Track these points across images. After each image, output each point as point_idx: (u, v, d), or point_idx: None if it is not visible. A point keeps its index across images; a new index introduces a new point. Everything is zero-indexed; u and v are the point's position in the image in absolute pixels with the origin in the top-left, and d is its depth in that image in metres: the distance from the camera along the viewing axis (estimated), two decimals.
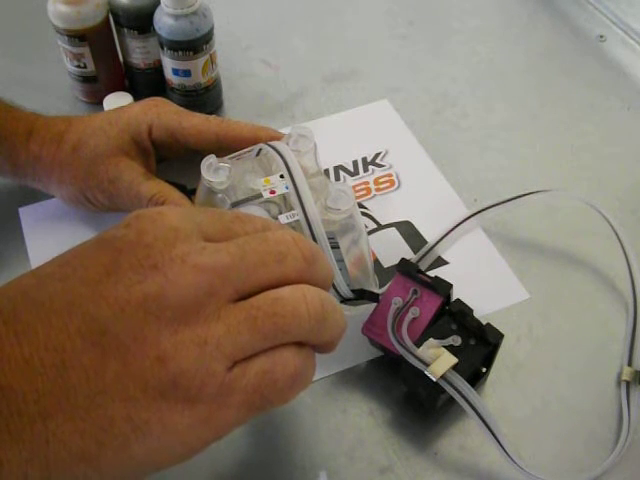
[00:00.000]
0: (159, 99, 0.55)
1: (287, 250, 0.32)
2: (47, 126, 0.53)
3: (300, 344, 0.32)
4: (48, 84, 0.68)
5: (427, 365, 0.42)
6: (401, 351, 0.43)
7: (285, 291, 0.31)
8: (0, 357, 0.26)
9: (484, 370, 0.46)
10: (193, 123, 0.53)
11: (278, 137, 0.54)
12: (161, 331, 0.28)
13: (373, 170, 0.61)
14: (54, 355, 0.27)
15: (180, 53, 0.60)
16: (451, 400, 0.42)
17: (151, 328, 0.28)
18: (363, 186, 0.60)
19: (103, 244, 0.30)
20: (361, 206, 0.58)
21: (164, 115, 0.53)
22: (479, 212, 0.55)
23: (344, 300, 0.46)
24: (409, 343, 0.43)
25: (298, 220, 0.45)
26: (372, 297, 0.46)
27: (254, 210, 0.47)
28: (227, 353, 0.29)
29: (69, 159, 0.52)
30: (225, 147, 0.53)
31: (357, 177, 0.60)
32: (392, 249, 0.55)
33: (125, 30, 0.62)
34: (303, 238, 0.33)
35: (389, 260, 0.54)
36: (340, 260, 0.46)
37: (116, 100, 0.60)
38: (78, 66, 0.63)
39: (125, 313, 0.28)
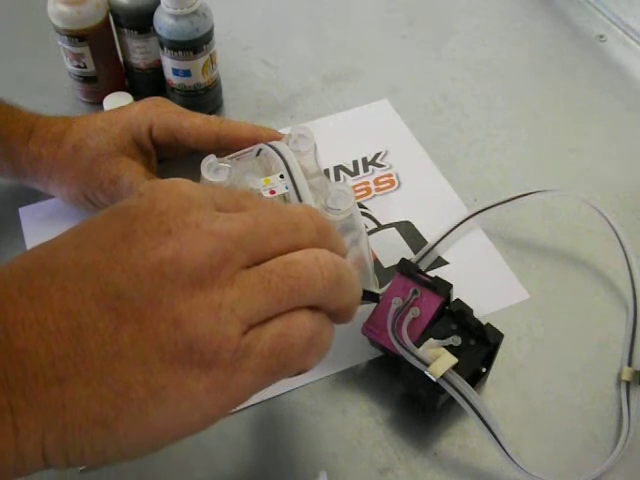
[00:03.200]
0: (159, 99, 0.55)
1: (300, 221, 0.32)
2: (47, 126, 0.53)
3: (315, 309, 0.32)
4: (48, 84, 0.68)
5: (427, 365, 0.42)
6: (401, 351, 0.43)
7: (298, 255, 0.31)
8: (14, 321, 0.26)
9: (484, 370, 0.46)
10: (193, 123, 0.53)
11: (278, 137, 0.54)
12: (176, 295, 0.28)
13: (373, 170, 0.61)
14: (69, 319, 0.27)
15: (180, 53, 0.60)
16: (451, 400, 0.42)
17: (166, 292, 0.28)
18: (363, 186, 0.60)
19: (117, 213, 0.30)
20: (361, 206, 0.58)
21: (164, 115, 0.53)
22: (479, 212, 0.55)
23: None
24: (409, 343, 0.43)
25: None
26: (372, 297, 0.46)
27: None
28: (242, 317, 0.29)
29: (69, 159, 0.52)
30: (225, 147, 0.53)
31: (357, 177, 0.60)
32: (392, 249, 0.55)
33: (125, 30, 0.62)
34: (317, 211, 0.33)
35: (389, 260, 0.54)
36: None
37: (116, 100, 0.60)
38: (78, 66, 0.63)
39: (140, 278, 0.28)
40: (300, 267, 0.30)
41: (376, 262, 0.54)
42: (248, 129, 0.54)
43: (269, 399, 0.46)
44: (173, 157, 0.58)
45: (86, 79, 0.65)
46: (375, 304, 0.46)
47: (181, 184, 0.31)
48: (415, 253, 0.54)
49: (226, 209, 0.31)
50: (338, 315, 0.34)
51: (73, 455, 0.27)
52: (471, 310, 0.45)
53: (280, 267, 0.30)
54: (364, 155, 0.62)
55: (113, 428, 0.27)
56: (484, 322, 0.44)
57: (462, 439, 0.45)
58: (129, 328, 0.27)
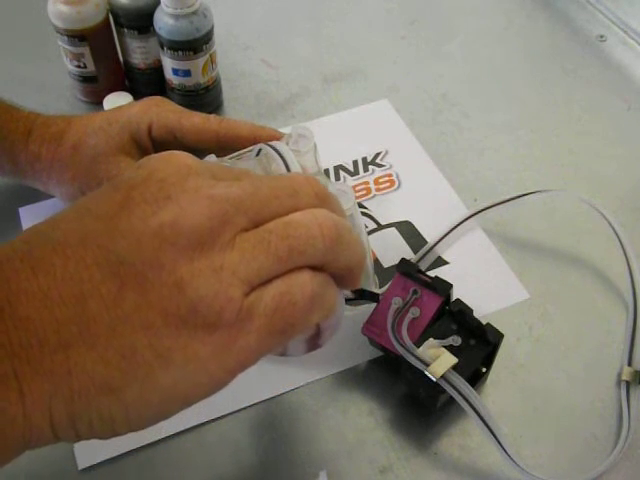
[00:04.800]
0: (159, 98, 0.55)
1: (299, 186, 0.32)
2: (47, 125, 0.53)
3: (317, 269, 0.32)
4: (48, 84, 0.68)
5: (427, 365, 0.42)
6: (401, 351, 0.43)
7: (297, 215, 0.31)
8: (17, 290, 0.26)
9: (484, 370, 0.46)
10: (193, 122, 0.53)
11: (278, 137, 0.54)
12: (177, 259, 0.28)
13: (373, 170, 0.61)
14: (72, 286, 0.27)
15: (180, 53, 0.60)
16: (451, 400, 0.42)
17: (167, 256, 0.28)
18: (363, 186, 0.60)
19: (116, 185, 0.30)
20: (361, 206, 0.58)
21: (164, 114, 0.53)
22: (479, 212, 0.55)
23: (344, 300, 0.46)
24: (409, 343, 0.43)
25: None
26: (372, 297, 0.46)
27: None
28: (243, 278, 0.29)
29: (69, 158, 0.52)
30: (225, 146, 0.53)
31: (357, 177, 0.60)
32: (392, 249, 0.55)
33: (125, 30, 0.62)
34: (316, 180, 0.33)
35: (389, 260, 0.54)
36: None
37: (116, 100, 0.60)
38: (78, 66, 0.63)
39: (141, 243, 0.28)
40: (299, 226, 0.30)
41: (376, 262, 0.54)
42: (248, 128, 0.54)
43: (269, 399, 0.46)
44: None
45: (86, 79, 0.65)
46: (375, 304, 0.46)
47: (179, 154, 0.31)
48: (415, 253, 0.54)
49: (224, 178, 0.31)
50: (342, 278, 0.34)
51: (81, 424, 0.27)
52: (471, 310, 0.45)
53: (279, 227, 0.30)
54: (364, 155, 0.62)
55: (120, 393, 0.27)
56: (484, 322, 0.44)
57: (462, 439, 0.45)
58: (132, 293, 0.27)
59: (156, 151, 0.55)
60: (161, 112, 0.53)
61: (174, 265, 0.28)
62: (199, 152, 0.52)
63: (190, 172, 0.30)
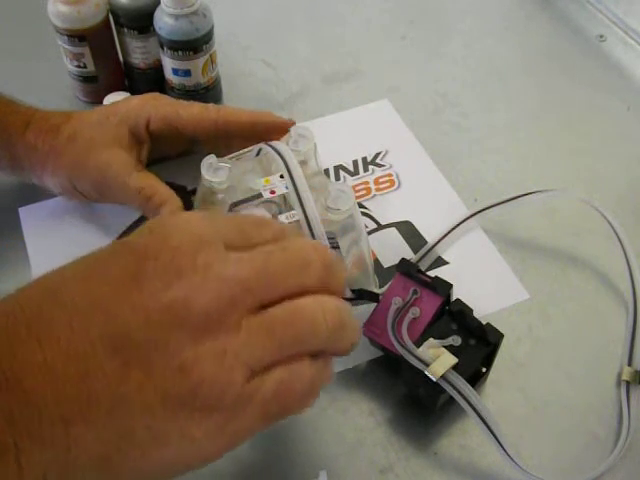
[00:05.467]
0: (157, 93, 0.55)
1: (309, 259, 0.32)
2: (45, 118, 0.53)
3: (316, 353, 0.32)
4: (48, 84, 0.68)
5: (427, 365, 0.42)
6: (401, 351, 0.43)
7: (303, 302, 0.31)
8: (23, 362, 0.26)
9: (484, 370, 0.46)
10: (191, 112, 0.53)
11: (277, 122, 0.54)
12: (183, 340, 0.28)
13: (373, 170, 0.61)
14: (77, 363, 0.27)
15: (180, 53, 0.60)
16: (451, 400, 0.42)
17: (174, 337, 0.28)
18: (363, 186, 0.60)
19: (126, 247, 0.30)
20: (361, 206, 0.58)
21: (162, 107, 0.53)
22: (479, 212, 0.55)
23: (344, 300, 0.46)
24: (409, 343, 0.43)
25: (298, 220, 0.45)
26: (372, 297, 0.46)
27: (255, 211, 0.47)
28: (246, 363, 0.29)
29: (63, 148, 0.52)
30: (224, 134, 0.53)
31: (357, 177, 0.60)
32: (392, 249, 0.55)
33: (125, 30, 0.62)
34: (321, 245, 0.34)
35: (389, 260, 0.54)
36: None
37: (116, 100, 0.60)
38: (78, 66, 0.63)
39: (149, 320, 0.28)
40: (305, 315, 0.31)
41: (376, 262, 0.54)
42: (247, 114, 0.54)
43: None
44: (172, 152, 0.58)
45: (86, 79, 0.65)
46: (375, 304, 0.46)
47: (191, 220, 0.31)
48: (415, 253, 0.54)
49: (235, 243, 0.31)
50: (337, 353, 0.35)
51: None
52: (471, 310, 0.45)
53: (285, 314, 0.30)
54: (364, 155, 0.62)
55: (116, 469, 0.28)
56: (484, 322, 0.44)
57: (462, 439, 0.45)
58: (136, 372, 0.27)
59: (154, 144, 0.55)
60: (159, 105, 0.53)
61: (179, 347, 0.28)
62: (199, 142, 0.52)
63: (202, 244, 0.30)
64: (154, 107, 0.53)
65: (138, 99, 0.54)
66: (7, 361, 0.26)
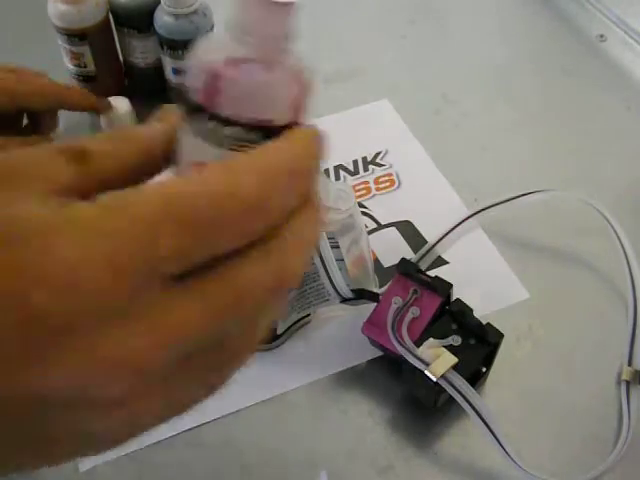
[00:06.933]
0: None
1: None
2: None
3: None
4: None
5: (427, 365, 0.42)
6: (401, 351, 0.43)
7: None
8: None
9: (484, 370, 0.46)
10: None
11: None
12: None
13: (373, 170, 0.61)
14: None
15: (180, 52, 0.60)
16: (451, 400, 0.42)
17: None
18: (363, 186, 0.60)
19: None
20: (361, 206, 0.58)
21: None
22: (479, 212, 0.55)
23: (344, 300, 0.46)
24: (409, 343, 0.43)
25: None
26: (372, 297, 0.46)
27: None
28: None
29: None
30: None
31: (357, 177, 0.60)
32: (392, 249, 0.55)
33: (125, 29, 0.62)
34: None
35: (389, 260, 0.54)
36: (340, 260, 0.46)
37: (113, 103, 0.60)
38: (78, 66, 0.63)
39: None
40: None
41: (376, 262, 0.54)
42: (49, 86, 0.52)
43: (269, 399, 0.46)
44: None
45: (86, 79, 0.65)
46: (375, 304, 0.46)
47: (57, 240, 0.17)
48: (415, 253, 0.54)
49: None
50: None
51: None
52: (471, 310, 0.45)
53: None
54: (364, 154, 0.62)
55: None
56: (484, 322, 0.44)
57: (462, 439, 0.45)
58: None
59: None
60: None
61: None
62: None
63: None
64: None
65: None
66: None
